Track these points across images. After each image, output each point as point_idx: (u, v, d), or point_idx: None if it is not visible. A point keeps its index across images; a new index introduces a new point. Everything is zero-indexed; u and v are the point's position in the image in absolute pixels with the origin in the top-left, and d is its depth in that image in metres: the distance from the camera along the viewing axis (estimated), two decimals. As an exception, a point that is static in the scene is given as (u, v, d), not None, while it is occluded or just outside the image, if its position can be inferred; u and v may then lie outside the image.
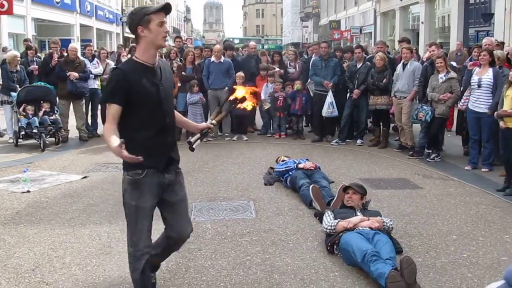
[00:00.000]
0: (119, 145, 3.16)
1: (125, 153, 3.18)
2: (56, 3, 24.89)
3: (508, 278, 0.66)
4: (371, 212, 5.66)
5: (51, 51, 12.11)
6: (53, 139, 11.16)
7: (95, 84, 12.11)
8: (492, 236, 5.61)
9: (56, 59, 11.51)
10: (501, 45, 12.16)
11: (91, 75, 11.80)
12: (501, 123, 7.38)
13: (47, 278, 4.61)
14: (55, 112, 11.17)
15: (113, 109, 3.41)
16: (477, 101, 8.47)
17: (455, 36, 19.17)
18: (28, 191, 7.45)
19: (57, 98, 11.35)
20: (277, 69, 12.46)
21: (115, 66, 3.30)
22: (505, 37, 15.50)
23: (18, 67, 11.30)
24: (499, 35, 15.79)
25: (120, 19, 37.23)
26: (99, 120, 12.50)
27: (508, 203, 6.88)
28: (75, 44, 15.54)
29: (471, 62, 9.70)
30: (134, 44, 15.33)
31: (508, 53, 9.43)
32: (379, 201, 6.82)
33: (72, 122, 11.93)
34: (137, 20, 3.46)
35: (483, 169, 8.56)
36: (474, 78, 8.57)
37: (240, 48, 16.05)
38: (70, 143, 11.56)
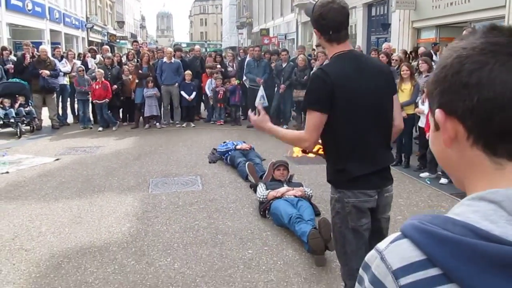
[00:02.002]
0: None
1: None
2: (28, 11, 23.65)
3: (403, 230, 0.70)
4: (295, 183, 5.75)
5: (23, 52, 11.65)
6: (28, 127, 10.74)
7: (64, 80, 11.77)
8: (389, 200, 5.82)
9: (29, 59, 11.06)
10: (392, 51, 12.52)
11: (60, 73, 11.41)
12: (403, 113, 7.49)
13: (26, 245, 4.45)
14: (30, 104, 10.75)
15: None
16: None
17: (360, 42, 19.57)
18: (7, 172, 7.13)
19: (31, 93, 10.90)
20: (219, 66, 12.41)
21: None
22: (399, 42, 15.97)
23: (-5, 66, 10.79)
24: (394, 41, 16.25)
25: (85, 25, 35.86)
26: (69, 110, 12.16)
27: (402, 173, 7.15)
28: (45, 46, 14.84)
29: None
30: (93, 47, 14.81)
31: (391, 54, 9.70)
32: (301, 174, 6.93)
33: (45, 113, 11.47)
34: None
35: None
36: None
37: (187, 51, 15.83)
38: (43, 130, 11.10)
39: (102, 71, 11.05)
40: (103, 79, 10.94)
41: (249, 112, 2.99)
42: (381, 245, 0.72)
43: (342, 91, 2.43)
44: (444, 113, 0.73)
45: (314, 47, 15.29)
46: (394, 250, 0.69)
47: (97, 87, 10.90)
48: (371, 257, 0.73)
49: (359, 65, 2.52)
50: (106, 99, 10.98)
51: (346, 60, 2.51)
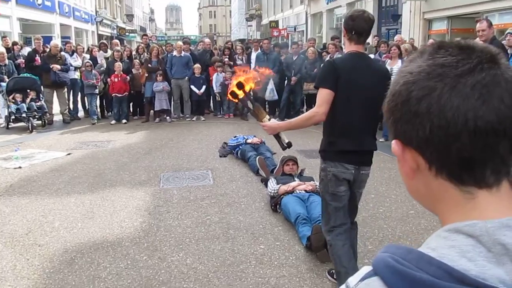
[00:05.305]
0: None
1: None
2: (38, 5, 23.72)
3: (375, 266, 0.66)
4: (306, 177, 5.72)
5: (34, 47, 11.71)
6: (39, 122, 10.78)
7: (75, 75, 11.73)
8: (402, 194, 5.76)
9: (39, 61, 11.08)
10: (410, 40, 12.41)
11: (71, 67, 11.44)
12: None
13: (39, 241, 4.48)
14: (41, 99, 10.79)
15: None
16: (389, 86, 8.64)
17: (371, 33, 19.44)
18: (20, 167, 7.18)
19: (42, 87, 10.95)
20: (227, 59, 12.36)
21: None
22: (409, 34, 15.82)
23: (6, 61, 10.83)
24: (405, 32, 16.11)
25: (95, 19, 35.92)
26: (79, 105, 12.20)
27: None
28: (57, 41, 14.88)
29: (384, 55, 9.80)
30: (103, 41, 14.82)
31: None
32: (312, 168, 6.86)
33: (56, 107, 11.52)
34: None
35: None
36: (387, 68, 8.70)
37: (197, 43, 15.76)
38: (54, 125, 11.17)
39: (120, 63, 11.12)
40: (121, 72, 11.03)
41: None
42: (352, 280, 0.68)
43: (344, 80, 3.00)
44: (401, 144, 0.70)
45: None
46: None
47: (116, 80, 10.98)
48: None
49: (363, 64, 3.11)
50: (126, 93, 11.08)
51: (355, 58, 3.11)
